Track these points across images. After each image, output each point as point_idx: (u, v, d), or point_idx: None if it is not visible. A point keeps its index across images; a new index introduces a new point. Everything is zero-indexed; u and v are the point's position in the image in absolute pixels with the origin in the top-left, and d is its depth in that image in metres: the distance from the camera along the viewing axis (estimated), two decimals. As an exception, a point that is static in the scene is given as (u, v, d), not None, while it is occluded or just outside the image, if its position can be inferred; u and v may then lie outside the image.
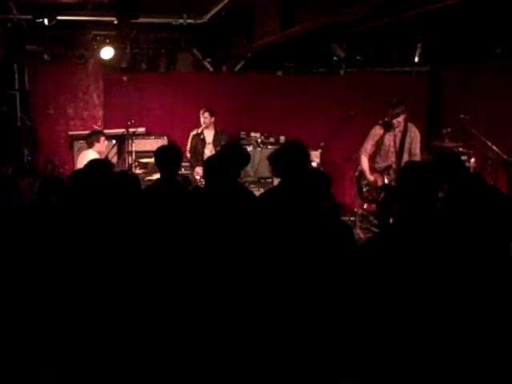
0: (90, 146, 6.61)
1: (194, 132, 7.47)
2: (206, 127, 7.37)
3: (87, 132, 7.93)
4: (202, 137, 7.39)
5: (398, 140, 6.14)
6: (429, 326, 2.65)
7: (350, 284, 2.80)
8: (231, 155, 4.19)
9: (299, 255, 3.06)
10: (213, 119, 7.40)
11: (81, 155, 6.74)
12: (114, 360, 2.99)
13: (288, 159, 3.68)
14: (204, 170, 3.87)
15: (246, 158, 4.38)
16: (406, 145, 6.12)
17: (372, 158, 6.30)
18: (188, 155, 7.39)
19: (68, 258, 3.10)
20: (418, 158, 6.12)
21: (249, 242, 3.42)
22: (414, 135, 6.14)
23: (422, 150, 6.40)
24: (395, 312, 2.66)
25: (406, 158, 6.12)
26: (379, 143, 6.29)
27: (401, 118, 6.12)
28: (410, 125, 6.16)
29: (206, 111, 7.42)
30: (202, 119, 7.38)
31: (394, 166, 6.09)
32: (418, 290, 2.66)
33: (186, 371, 3.09)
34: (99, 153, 6.57)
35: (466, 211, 3.52)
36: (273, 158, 3.84)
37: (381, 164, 6.15)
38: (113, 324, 3.08)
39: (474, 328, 2.74)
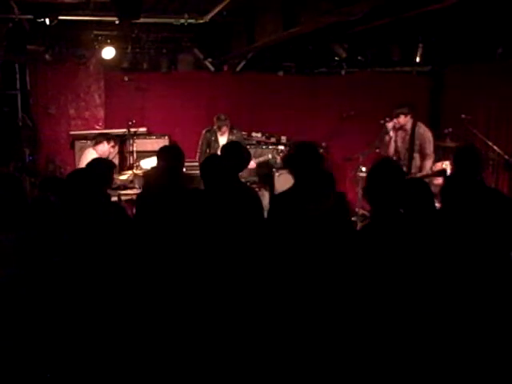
0: (94, 145, 6.63)
1: (207, 129, 7.45)
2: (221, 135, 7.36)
3: (88, 132, 7.97)
4: (213, 138, 7.36)
5: (405, 141, 6.17)
6: (423, 332, 2.65)
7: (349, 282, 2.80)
8: (232, 155, 4.19)
9: (304, 255, 3.06)
10: (227, 128, 7.33)
11: (83, 154, 6.76)
12: (114, 360, 2.99)
13: (302, 161, 3.70)
14: (204, 170, 3.87)
15: (247, 157, 4.38)
16: (416, 146, 6.13)
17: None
18: (198, 155, 7.39)
19: (67, 257, 3.10)
20: (431, 158, 6.14)
21: (251, 242, 3.42)
22: (422, 136, 6.16)
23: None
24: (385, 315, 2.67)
25: (417, 158, 6.14)
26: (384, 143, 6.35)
27: (401, 119, 6.13)
28: (418, 125, 6.18)
29: (223, 125, 7.23)
30: (216, 127, 7.33)
31: (404, 168, 6.10)
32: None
33: (186, 371, 3.09)
34: (100, 155, 6.57)
35: (464, 213, 3.52)
36: (287, 160, 3.87)
37: None
38: (113, 324, 3.08)
39: (472, 328, 2.74)
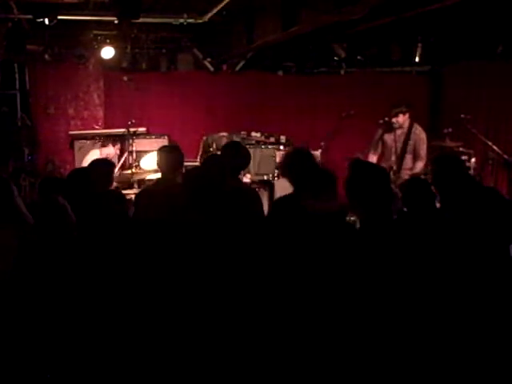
0: (101, 147, 6.72)
1: (207, 136, 7.50)
2: None
3: (88, 132, 7.98)
4: (211, 149, 7.38)
5: (400, 140, 6.16)
6: (423, 331, 2.65)
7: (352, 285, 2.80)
8: (232, 154, 4.19)
9: (299, 256, 3.06)
10: None
11: (88, 155, 6.83)
12: (113, 360, 2.99)
13: (298, 167, 3.70)
14: (204, 169, 3.87)
15: (247, 157, 4.38)
16: (410, 146, 6.13)
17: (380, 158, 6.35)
18: (199, 159, 7.41)
19: (67, 257, 3.11)
20: (423, 159, 6.13)
21: (251, 243, 3.42)
22: (418, 137, 6.15)
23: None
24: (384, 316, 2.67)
25: (409, 159, 6.13)
26: (382, 143, 6.34)
27: (400, 118, 6.13)
28: (415, 126, 6.18)
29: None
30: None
31: (394, 167, 6.09)
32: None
33: (186, 371, 3.09)
34: (106, 157, 6.63)
35: (462, 213, 3.52)
36: (284, 168, 3.89)
37: (383, 164, 6.16)
38: (114, 324, 3.08)
39: (473, 329, 2.74)
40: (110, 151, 6.68)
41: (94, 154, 6.43)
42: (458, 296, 2.89)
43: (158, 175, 4.80)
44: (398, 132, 6.16)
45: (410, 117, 6.19)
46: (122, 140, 7.63)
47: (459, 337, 2.76)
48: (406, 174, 5.97)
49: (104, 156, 6.59)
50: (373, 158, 6.34)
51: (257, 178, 7.46)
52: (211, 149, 7.35)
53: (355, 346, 2.69)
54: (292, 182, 3.76)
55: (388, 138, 6.29)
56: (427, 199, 3.65)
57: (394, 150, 6.17)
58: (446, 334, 2.72)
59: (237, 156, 4.21)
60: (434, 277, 2.77)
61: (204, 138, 7.64)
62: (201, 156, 7.52)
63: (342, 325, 2.78)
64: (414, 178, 5.46)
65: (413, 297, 2.68)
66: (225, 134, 7.41)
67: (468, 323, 2.81)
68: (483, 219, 3.49)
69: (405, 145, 6.13)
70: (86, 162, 6.42)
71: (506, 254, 3.50)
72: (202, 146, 7.62)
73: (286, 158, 4.04)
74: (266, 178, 7.02)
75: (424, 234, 3.07)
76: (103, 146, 6.74)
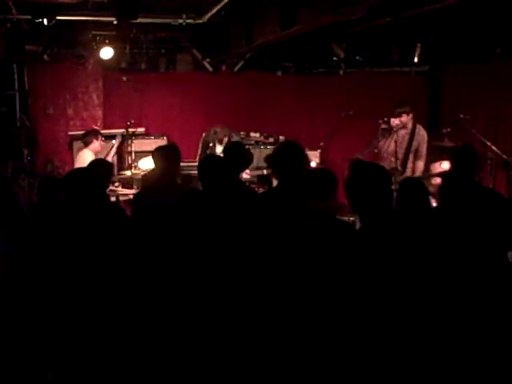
0: (86, 144, 6.70)
1: (206, 133, 7.51)
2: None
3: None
4: (211, 144, 7.39)
5: (404, 141, 6.18)
6: (422, 330, 2.65)
7: (349, 284, 2.80)
8: (234, 155, 4.19)
9: (299, 256, 3.06)
10: (227, 138, 7.37)
11: (78, 155, 6.83)
12: (114, 360, 2.99)
13: (285, 160, 3.66)
14: (205, 170, 3.87)
15: (249, 157, 4.38)
16: (413, 147, 6.16)
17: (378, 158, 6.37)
18: (198, 157, 7.42)
19: (64, 257, 3.11)
20: (424, 159, 6.21)
21: (249, 243, 3.42)
22: (422, 138, 6.20)
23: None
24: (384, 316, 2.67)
25: (411, 159, 6.16)
26: (381, 142, 6.36)
27: (404, 119, 6.15)
28: (418, 127, 6.21)
29: (222, 137, 7.24)
30: (217, 141, 7.37)
31: (399, 167, 6.10)
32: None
33: (185, 371, 3.09)
34: (95, 152, 6.62)
35: (460, 212, 3.52)
36: (270, 160, 3.85)
37: (381, 164, 6.15)
38: (112, 323, 3.08)
39: (469, 326, 2.74)
40: (96, 145, 6.70)
41: (86, 155, 6.45)
42: (454, 297, 2.88)
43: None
44: (402, 132, 6.18)
45: (413, 117, 6.22)
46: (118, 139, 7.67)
47: (454, 337, 2.76)
48: (409, 173, 6.03)
49: (94, 152, 6.61)
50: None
51: (255, 174, 7.46)
52: (210, 144, 7.35)
53: (354, 344, 2.69)
54: (278, 175, 3.72)
55: (388, 139, 6.30)
56: (422, 199, 3.65)
57: (394, 150, 6.18)
58: (441, 334, 2.72)
59: (238, 157, 4.20)
60: (431, 277, 2.77)
61: (203, 134, 7.63)
62: (200, 154, 7.50)
63: (340, 323, 2.78)
64: (409, 178, 5.49)
65: (411, 296, 2.68)
66: (221, 128, 7.40)
67: (464, 323, 2.81)
68: (482, 220, 3.49)
69: (409, 145, 6.16)
70: (78, 163, 6.43)
71: (503, 257, 3.50)
72: (201, 143, 7.60)
73: (276, 150, 3.99)
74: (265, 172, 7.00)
75: (420, 233, 3.07)
76: (86, 144, 6.73)
